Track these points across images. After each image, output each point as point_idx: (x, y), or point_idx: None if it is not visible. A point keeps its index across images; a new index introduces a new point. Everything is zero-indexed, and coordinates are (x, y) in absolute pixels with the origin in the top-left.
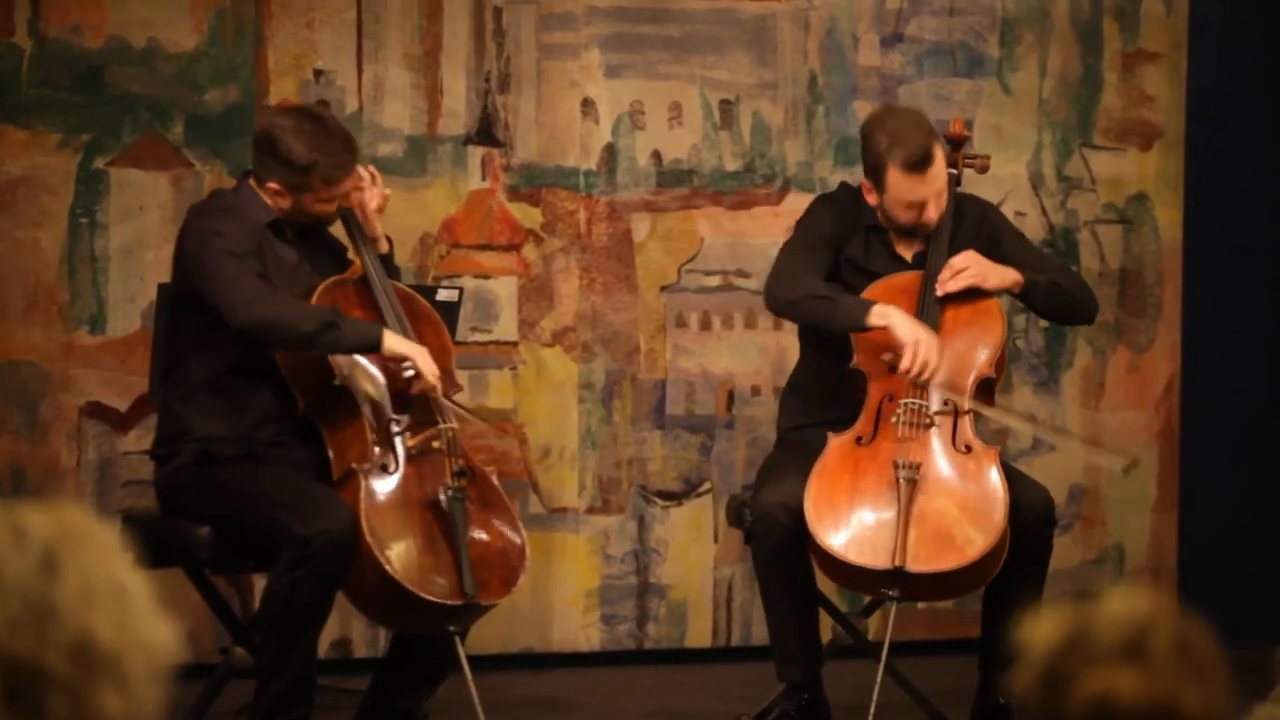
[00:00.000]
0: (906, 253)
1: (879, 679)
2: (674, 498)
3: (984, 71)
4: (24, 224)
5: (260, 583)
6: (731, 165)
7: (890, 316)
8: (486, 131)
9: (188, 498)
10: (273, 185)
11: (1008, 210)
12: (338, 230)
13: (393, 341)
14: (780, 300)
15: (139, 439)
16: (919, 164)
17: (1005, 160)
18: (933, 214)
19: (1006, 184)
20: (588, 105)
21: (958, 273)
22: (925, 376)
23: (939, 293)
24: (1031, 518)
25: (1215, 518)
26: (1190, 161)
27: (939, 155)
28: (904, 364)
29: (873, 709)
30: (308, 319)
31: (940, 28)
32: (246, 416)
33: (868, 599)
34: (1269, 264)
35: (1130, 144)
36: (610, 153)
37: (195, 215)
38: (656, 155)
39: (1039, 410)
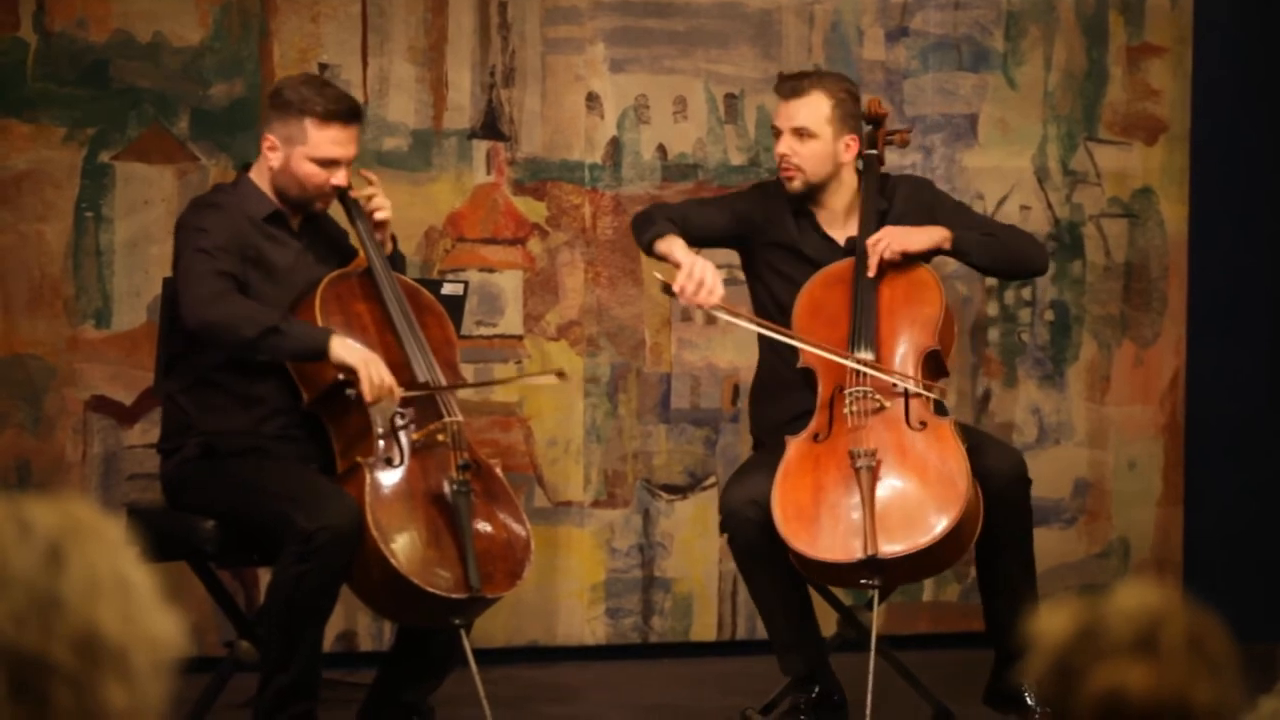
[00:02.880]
0: (839, 235)
1: (871, 669)
2: (679, 491)
3: (989, 65)
4: (29, 218)
5: (265, 576)
6: (736, 159)
7: (672, 244)
8: (491, 125)
9: (192, 491)
10: (270, 137)
11: (1013, 203)
12: (341, 219)
13: (340, 349)
14: (634, 220)
15: (144, 432)
16: (780, 89)
17: (1010, 154)
18: (780, 149)
19: (1012, 178)
20: (593, 99)
21: (879, 251)
22: (698, 296)
23: (870, 273)
24: (1002, 480)
25: (1220, 512)
26: (1195, 155)
27: (810, 95)
28: (676, 284)
29: (869, 700)
30: (251, 324)
31: (945, 21)
32: (251, 410)
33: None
34: (1274, 258)
35: (1135, 138)
36: (615, 146)
37: (189, 209)
38: (661, 149)
39: (1044, 404)
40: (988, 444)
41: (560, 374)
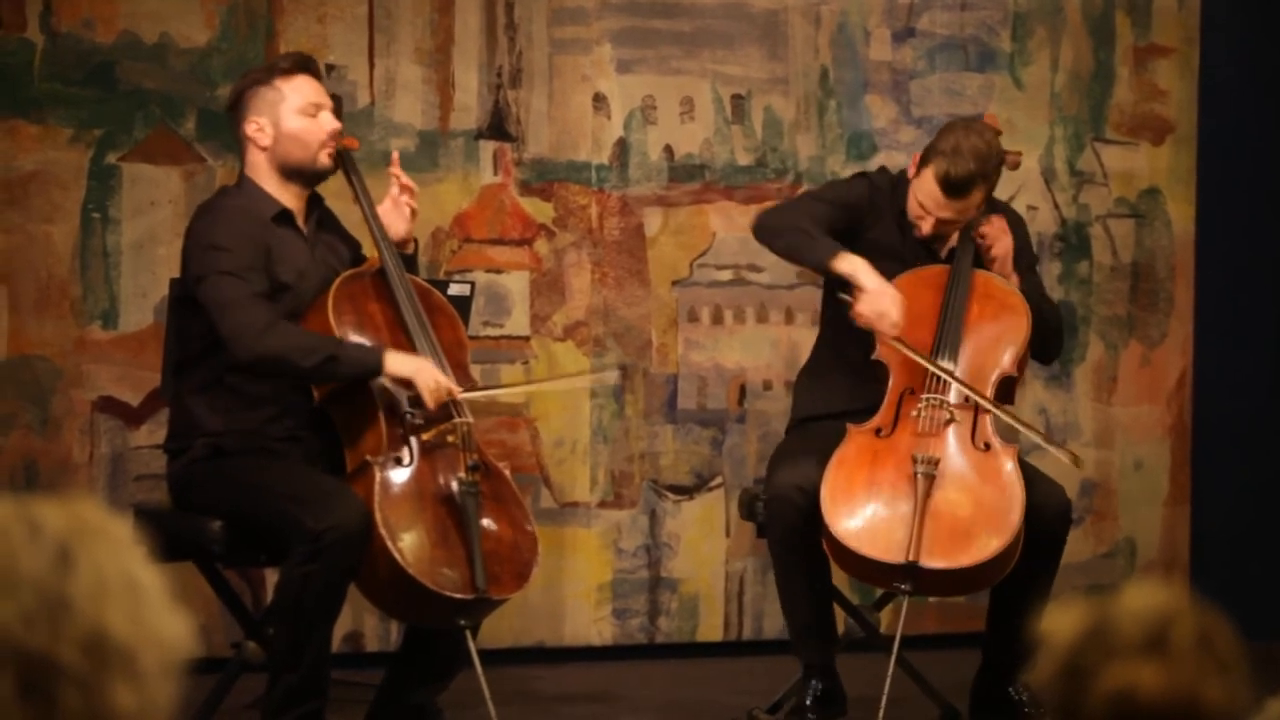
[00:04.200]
0: (940, 247)
1: (890, 672)
2: (685, 492)
3: (996, 66)
4: (36, 219)
5: (272, 576)
6: (743, 160)
7: (856, 264)
8: (498, 126)
9: (199, 492)
10: (253, 121)
11: (1020, 204)
12: (351, 226)
13: (394, 364)
14: (765, 225)
15: (151, 433)
16: (949, 187)
17: None
18: (926, 230)
19: (1019, 178)
20: (599, 100)
21: (996, 230)
22: (878, 325)
23: (975, 233)
24: (1048, 517)
25: (1226, 512)
26: (1202, 156)
27: (974, 195)
28: (859, 306)
29: (884, 702)
30: (307, 355)
31: (952, 22)
32: (259, 411)
33: (880, 592)
34: None
35: (1142, 138)
36: (622, 147)
37: (199, 218)
38: (668, 150)
39: (1051, 405)
40: (1035, 478)
41: (622, 369)
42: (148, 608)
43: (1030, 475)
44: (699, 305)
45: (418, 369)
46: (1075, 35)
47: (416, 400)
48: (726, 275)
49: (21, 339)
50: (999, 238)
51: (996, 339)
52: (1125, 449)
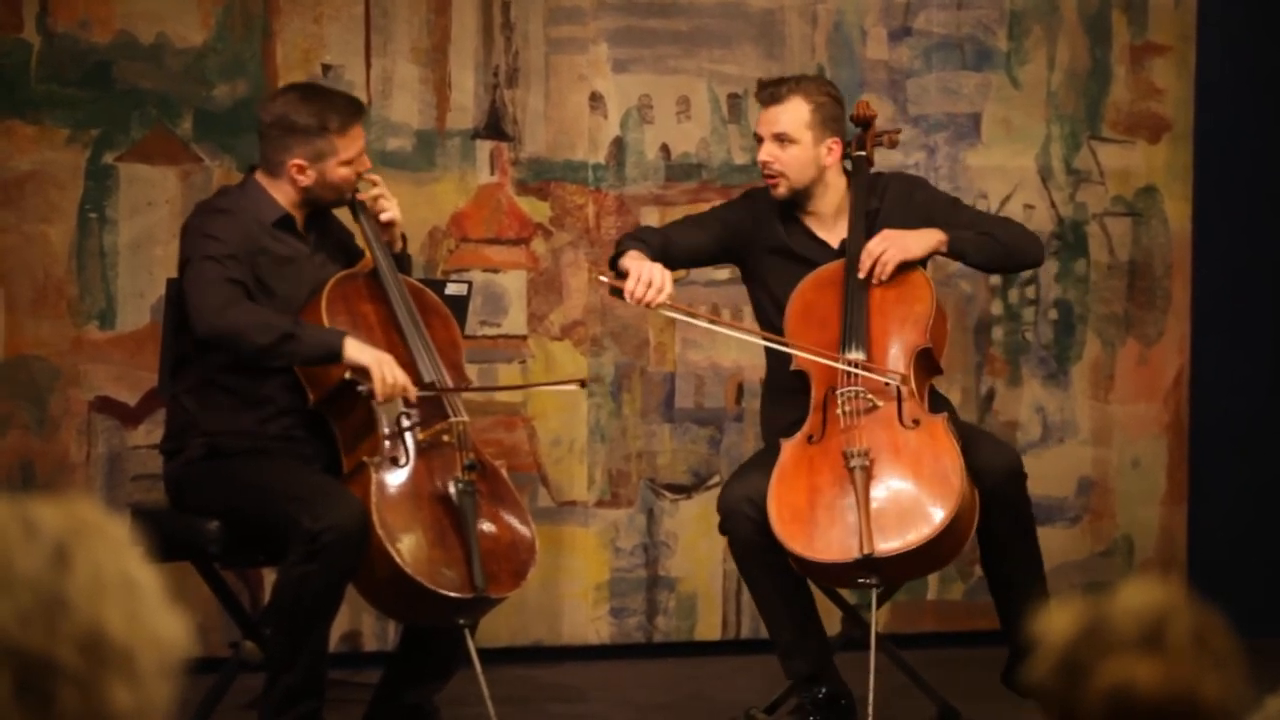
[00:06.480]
0: (830, 238)
1: (872, 667)
2: (683, 491)
3: (992, 65)
4: (33, 219)
5: (270, 576)
6: (740, 159)
7: (629, 257)
8: (495, 126)
9: (197, 492)
10: (296, 162)
11: (1016, 202)
12: (347, 219)
13: (354, 351)
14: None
15: (148, 433)
16: (760, 93)
17: (1014, 153)
18: (761, 154)
19: (1015, 177)
20: (596, 99)
21: (877, 258)
22: (640, 296)
23: (860, 275)
24: (998, 477)
25: (1224, 510)
26: (1199, 154)
27: (788, 101)
28: (627, 287)
29: (870, 698)
30: (264, 331)
31: (949, 21)
32: (255, 411)
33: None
34: (1277, 255)
35: (1139, 137)
36: (619, 146)
37: (197, 213)
38: (665, 149)
39: (1048, 403)
40: (982, 440)
41: (582, 383)
42: (145, 607)
43: (975, 438)
44: (696, 304)
45: (377, 359)
46: (1071, 34)
47: (413, 400)
48: (723, 274)
49: (18, 339)
50: (879, 254)
51: (903, 317)
52: (1122, 447)
